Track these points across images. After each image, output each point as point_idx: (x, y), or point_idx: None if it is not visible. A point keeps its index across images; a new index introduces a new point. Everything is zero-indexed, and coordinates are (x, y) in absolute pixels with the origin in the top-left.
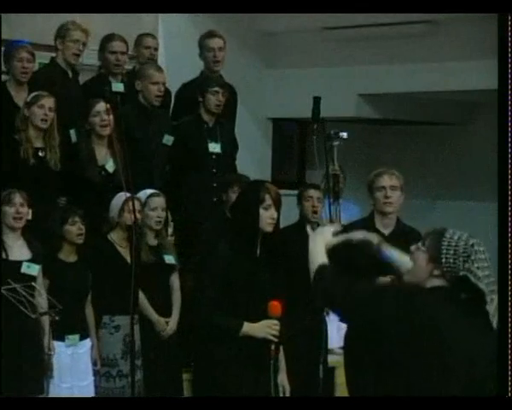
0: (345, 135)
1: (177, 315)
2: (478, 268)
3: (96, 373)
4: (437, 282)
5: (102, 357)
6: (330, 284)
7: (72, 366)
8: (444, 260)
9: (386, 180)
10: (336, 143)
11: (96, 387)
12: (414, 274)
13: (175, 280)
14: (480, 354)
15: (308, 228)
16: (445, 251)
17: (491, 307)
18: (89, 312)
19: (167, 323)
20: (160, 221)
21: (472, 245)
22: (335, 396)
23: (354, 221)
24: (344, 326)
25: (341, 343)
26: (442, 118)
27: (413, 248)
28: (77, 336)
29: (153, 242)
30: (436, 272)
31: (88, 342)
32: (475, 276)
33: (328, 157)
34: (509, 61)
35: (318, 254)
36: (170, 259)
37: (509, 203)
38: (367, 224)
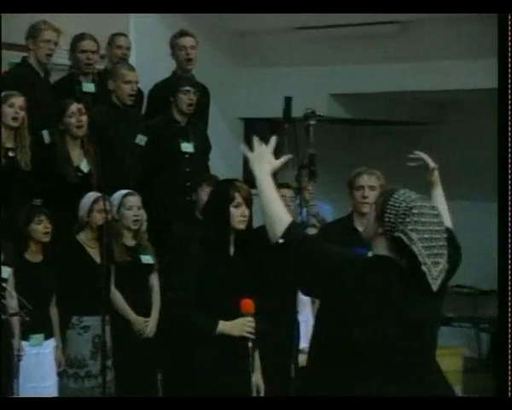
0: (321, 113)
1: (156, 315)
2: (412, 230)
3: (60, 374)
4: (381, 244)
5: (70, 358)
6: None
7: (37, 366)
8: (386, 219)
9: (365, 180)
10: (313, 122)
11: (64, 388)
12: (365, 230)
13: (154, 280)
14: (418, 316)
15: (243, 148)
16: (388, 210)
17: (433, 270)
18: (53, 312)
19: (146, 323)
20: (137, 220)
21: (411, 208)
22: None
23: (333, 221)
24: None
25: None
26: (413, 117)
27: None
28: (41, 336)
29: (130, 242)
30: (380, 230)
31: (52, 342)
32: (409, 238)
33: (305, 137)
34: (510, 60)
35: (273, 198)
36: (147, 259)
37: (510, 203)
38: (346, 223)
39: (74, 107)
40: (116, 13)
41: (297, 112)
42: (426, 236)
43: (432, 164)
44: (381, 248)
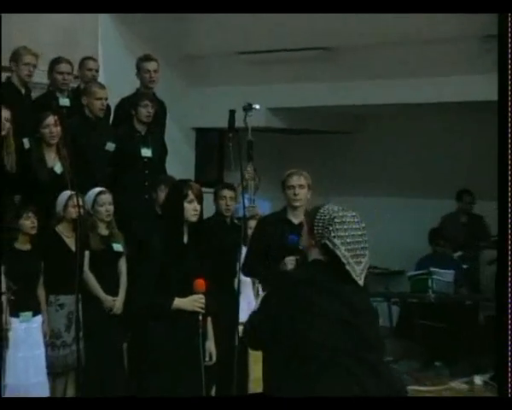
0: (257, 106)
1: (123, 295)
2: (334, 237)
3: (46, 344)
4: (315, 253)
5: (48, 330)
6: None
7: (26, 339)
8: (315, 231)
9: (295, 180)
10: (250, 113)
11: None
12: (302, 243)
13: (122, 265)
14: (345, 310)
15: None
16: (316, 223)
17: (356, 268)
18: (41, 292)
19: (114, 301)
20: (109, 214)
21: (333, 218)
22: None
23: (270, 213)
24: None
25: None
26: (337, 127)
27: (303, 221)
28: (30, 313)
29: (104, 232)
30: (312, 242)
31: (39, 318)
32: (332, 243)
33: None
34: (510, 59)
35: None
36: (118, 247)
37: (510, 205)
38: (280, 215)
39: (49, 119)
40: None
41: (240, 123)
42: (348, 240)
43: None
44: (315, 255)
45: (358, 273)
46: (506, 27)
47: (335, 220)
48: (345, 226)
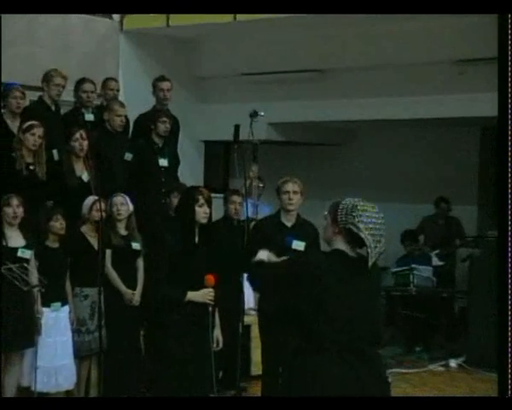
0: (262, 113)
1: (140, 289)
2: (359, 222)
3: (72, 331)
4: (338, 241)
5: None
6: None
7: (55, 326)
8: (339, 219)
9: (290, 186)
10: (256, 119)
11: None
12: (325, 233)
13: (140, 262)
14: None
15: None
16: (339, 212)
17: (372, 251)
18: (68, 285)
19: (133, 294)
20: (119, 213)
21: (356, 206)
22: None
23: (266, 216)
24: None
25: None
26: (329, 140)
27: (324, 215)
28: (59, 304)
29: (123, 232)
30: (336, 230)
31: (67, 308)
32: (357, 227)
33: (249, 133)
34: (510, 60)
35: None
36: (136, 245)
37: (509, 208)
38: (275, 218)
39: (78, 134)
40: (106, 13)
41: (243, 136)
42: (370, 226)
43: None
44: (337, 243)
45: (373, 256)
46: (506, 27)
47: (358, 208)
48: (367, 214)
